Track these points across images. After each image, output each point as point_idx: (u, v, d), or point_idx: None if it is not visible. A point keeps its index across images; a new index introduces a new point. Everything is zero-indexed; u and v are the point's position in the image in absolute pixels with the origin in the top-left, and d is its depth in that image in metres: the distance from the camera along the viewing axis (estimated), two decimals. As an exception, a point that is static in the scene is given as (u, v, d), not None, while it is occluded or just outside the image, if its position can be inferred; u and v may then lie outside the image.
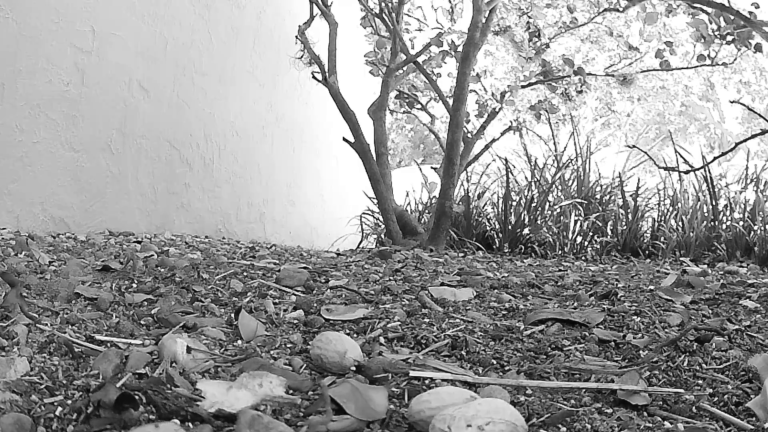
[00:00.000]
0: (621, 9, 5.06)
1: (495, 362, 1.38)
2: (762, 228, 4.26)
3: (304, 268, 2.38)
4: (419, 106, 5.58)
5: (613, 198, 5.13)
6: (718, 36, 4.55)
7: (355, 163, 4.59)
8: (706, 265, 3.76)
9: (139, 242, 3.29)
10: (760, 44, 4.42)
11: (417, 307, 1.82)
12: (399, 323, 1.62)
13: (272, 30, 5.20)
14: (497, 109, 5.01)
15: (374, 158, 4.35)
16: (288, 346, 1.44)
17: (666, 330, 1.66)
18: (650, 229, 4.87)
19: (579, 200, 4.94)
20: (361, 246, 5.00)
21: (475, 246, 4.58)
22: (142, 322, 1.54)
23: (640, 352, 1.46)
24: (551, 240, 4.66)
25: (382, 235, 4.68)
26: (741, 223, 4.43)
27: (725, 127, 14.90)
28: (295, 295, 1.93)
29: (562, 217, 4.83)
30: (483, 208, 5.05)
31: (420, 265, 2.93)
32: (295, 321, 1.65)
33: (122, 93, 3.98)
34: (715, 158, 4.51)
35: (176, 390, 1.06)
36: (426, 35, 5.30)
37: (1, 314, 1.40)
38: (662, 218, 4.85)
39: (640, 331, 1.64)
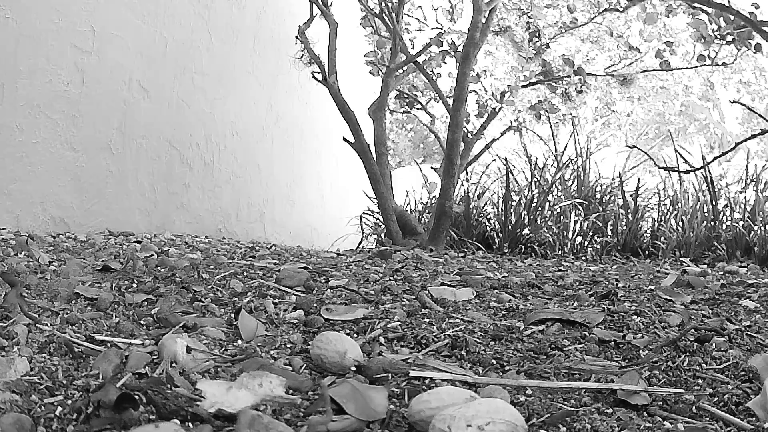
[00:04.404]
0: (621, 9, 5.06)
1: (495, 362, 1.38)
2: (762, 228, 4.26)
3: (304, 268, 2.38)
4: (419, 106, 5.58)
5: (613, 198, 5.13)
6: (718, 36, 4.55)
7: (355, 163, 4.59)
8: (706, 265, 3.76)
9: (139, 242, 3.29)
10: (760, 44, 4.41)
11: (417, 307, 1.82)
12: (399, 323, 1.62)
13: (272, 30, 5.20)
14: (497, 109, 5.01)
15: (374, 158, 4.35)
16: (288, 346, 1.44)
17: (666, 330, 1.66)
18: (650, 229, 4.87)
19: (579, 200, 4.94)
20: (361, 246, 5.00)
21: (475, 246, 4.58)
22: (142, 322, 1.54)
23: (640, 352, 1.46)
24: (551, 240, 4.65)
25: (382, 235, 4.68)
26: (741, 223, 4.43)
27: (725, 127, 14.90)
28: (295, 295, 1.93)
29: (562, 217, 4.83)
30: (483, 208, 5.05)
31: (420, 265, 2.93)
32: (295, 321, 1.65)
33: (122, 93, 3.98)
34: (715, 158, 4.51)
35: (176, 390, 1.06)
36: (426, 35, 5.30)
37: (1, 314, 1.40)
38: (662, 218, 4.85)
39: (640, 331, 1.64)
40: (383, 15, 4.66)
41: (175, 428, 0.90)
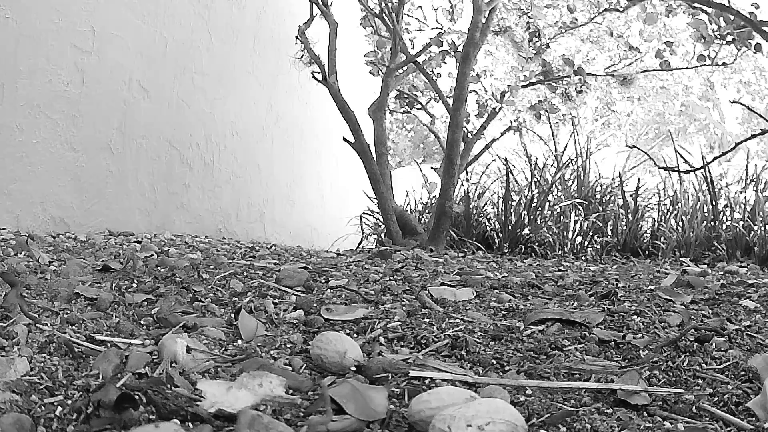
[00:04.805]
0: (621, 9, 5.06)
1: (495, 362, 1.38)
2: (762, 228, 4.26)
3: (304, 268, 2.38)
4: (419, 106, 5.58)
5: (613, 198, 5.13)
6: (718, 36, 4.55)
7: (355, 163, 4.59)
8: (706, 265, 3.76)
9: (139, 242, 3.29)
10: (760, 44, 4.41)
11: (417, 307, 1.82)
12: (399, 323, 1.62)
13: (272, 30, 5.20)
14: (497, 109, 5.01)
15: (374, 158, 4.35)
16: (288, 346, 1.44)
17: (666, 330, 1.66)
18: (650, 229, 4.87)
19: (579, 200, 4.94)
20: (361, 246, 5.00)
21: (475, 246, 4.58)
22: (142, 322, 1.54)
23: (640, 352, 1.46)
24: (551, 240, 4.65)
25: (382, 235, 4.68)
26: (741, 223, 4.43)
27: (725, 127, 14.91)
28: (295, 295, 1.93)
29: (562, 217, 4.83)
30: (483, 208, 5.05)
31: (420, 265, 2.93)
32: (295, 321, 1.65)
33: (122, 93, 3.98)
34: (715, 158, 4.51)
35: (176, 390, 1.06)
36: (426, 35, 5.30)
37: (1, 314, 1.40)
38: (662, 218, 4.85)
39: (640, 331, 1.64)
40: (383, 15, 4.66)
41: (175, 428, 0.90)
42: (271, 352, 1.39)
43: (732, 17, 4.15)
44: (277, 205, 5.47)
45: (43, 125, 3.51)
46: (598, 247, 4.71)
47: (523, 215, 4.76)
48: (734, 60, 4.72)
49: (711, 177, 4.61)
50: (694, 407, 1.12)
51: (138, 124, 4.10)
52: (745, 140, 4.28)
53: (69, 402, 1.02)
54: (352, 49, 5.39)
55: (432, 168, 5.59)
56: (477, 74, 5.01)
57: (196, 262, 2.44)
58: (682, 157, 4.82)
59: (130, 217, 4.08)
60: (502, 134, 5.15)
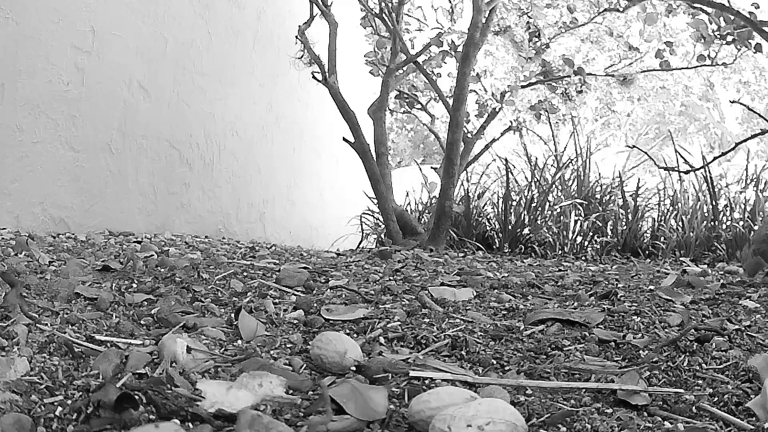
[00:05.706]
0: (621, 9, 5.06)
1: (495, 362, 1.38)
2: (762, 228, 4.25)
3: (304, 268, 2.38)
4: (419, 106, 5.58)
5: (613, 198, 5.13)
6: (718, 36, 4.55)
7: (355, 163, 4.59)
8: (706, 265, 3.76)
9: (139, 242, 3.29)
10: (760, 44, 4.41)
11: (417, 307, 1.82)
12: (399, 323, 1.62)
13: (272, 30, 5.20)
14: (497, 109, 5.00)
15: (374, 158, 4.35)
16: (288, 346, 1.44)
17: (666, 330, 1.66)
18: (650, 229, 4.87)
19: (579, 200, 4.94)
20: (361, 246, 5.00)
21: (475, 246, 4.58)
22: (142, 322, 1.54)
23: (640, 352, 1.46)
24: (551, 240, 4.65)
25: (382, 235, 4.68)
26: (741, 223, 4.43)
27: (725, 127, 14.91)
28: (295, 295, 1.93)
29: (562, 217, 4.83)
30: (483, 208, 5.05)
31: (420, 265, 2.93)
32: (295, 321, 1.65)
33: (122, 93, 3.98)
34: (715, 158, 4.51)
35: (176, 390, 1.06)
36: (426, 35, 5.30)
37: (1, 314, 1.40)
38: (662, 218, 4.85)
39: (640, 331, 1.64)
40: (383, 15, 4.66)
41: (175, 428, 0.90)
42: (271, 352, 1.39)
43: (732, 17, 4.15)
44: (277, 205, 5.47)
45: (43, 125, 3.51)
46: (598, 247, 4.71)
47: (523, 215, 4.76)
48: (734, 60, 4.72)
49: (711, 177, 4.61)
50: (694, 407, 1.12)
51: (138, 124, 4.10)
52: (745, 140, 4.28)
53: (69, 402, 1.02)
54: (352, 49, 5.39)
55: (432, 168, 5.59)
56: (477, 74, 5.01)
57: (196, 262, 2.44)
58: (682, 157, 4.82)
59: (130, 217, 4.08)
60: (502, 134, 5.15)
